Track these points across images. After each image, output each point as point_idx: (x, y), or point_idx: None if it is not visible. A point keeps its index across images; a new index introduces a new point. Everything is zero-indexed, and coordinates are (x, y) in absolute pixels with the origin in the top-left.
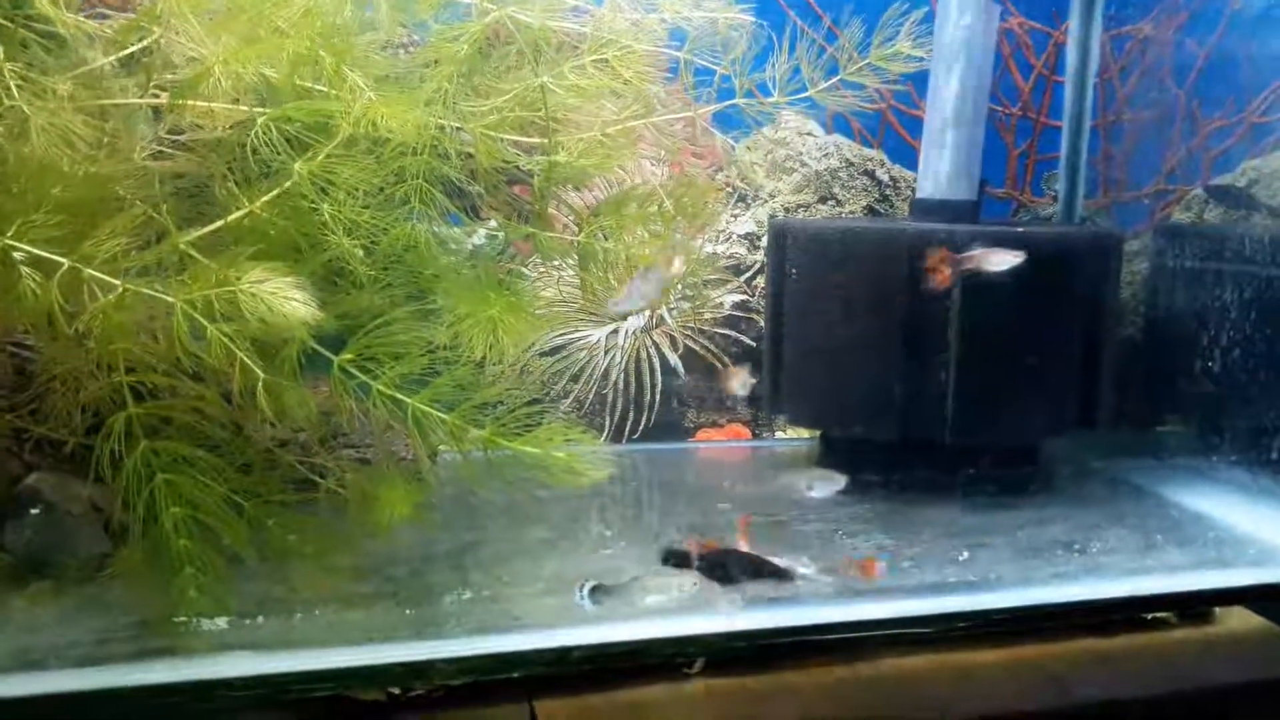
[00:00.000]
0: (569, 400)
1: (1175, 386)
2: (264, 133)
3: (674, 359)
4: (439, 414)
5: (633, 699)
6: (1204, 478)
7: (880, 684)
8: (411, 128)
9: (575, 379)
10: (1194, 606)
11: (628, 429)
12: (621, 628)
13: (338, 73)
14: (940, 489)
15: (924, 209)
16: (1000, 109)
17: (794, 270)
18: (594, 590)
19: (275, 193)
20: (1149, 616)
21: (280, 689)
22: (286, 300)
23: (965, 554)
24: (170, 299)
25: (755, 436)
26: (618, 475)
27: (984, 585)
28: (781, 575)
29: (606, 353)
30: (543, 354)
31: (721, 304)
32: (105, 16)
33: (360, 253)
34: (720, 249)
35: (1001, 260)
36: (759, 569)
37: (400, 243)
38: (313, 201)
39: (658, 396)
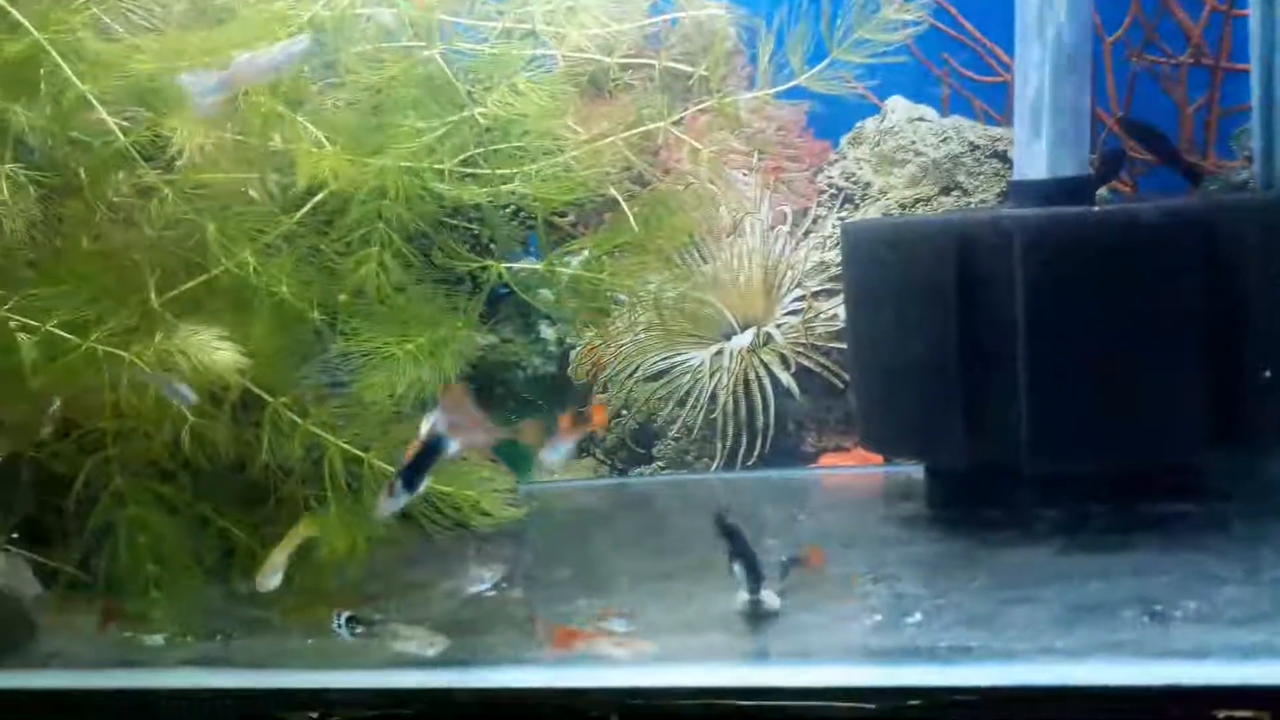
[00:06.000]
0: (676, 426)
1: None
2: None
3: (786, 378)
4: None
5: None
6: None
7: None
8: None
9: (681, 404)
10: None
11: (740, 455)
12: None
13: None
14: (1051, 528)
15: (1021, 192)
16: (1163, 59)
17: (855, 276)
18: (349, 620)
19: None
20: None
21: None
22: (215, 350)
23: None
24: (121, 354)
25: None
26: (690, 506)
27: (958, 655)
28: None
29: (712, 375)
30: (647, 379)
31: (836, 316)
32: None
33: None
34: (828, 256)
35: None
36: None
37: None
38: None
39: (771, 420)
